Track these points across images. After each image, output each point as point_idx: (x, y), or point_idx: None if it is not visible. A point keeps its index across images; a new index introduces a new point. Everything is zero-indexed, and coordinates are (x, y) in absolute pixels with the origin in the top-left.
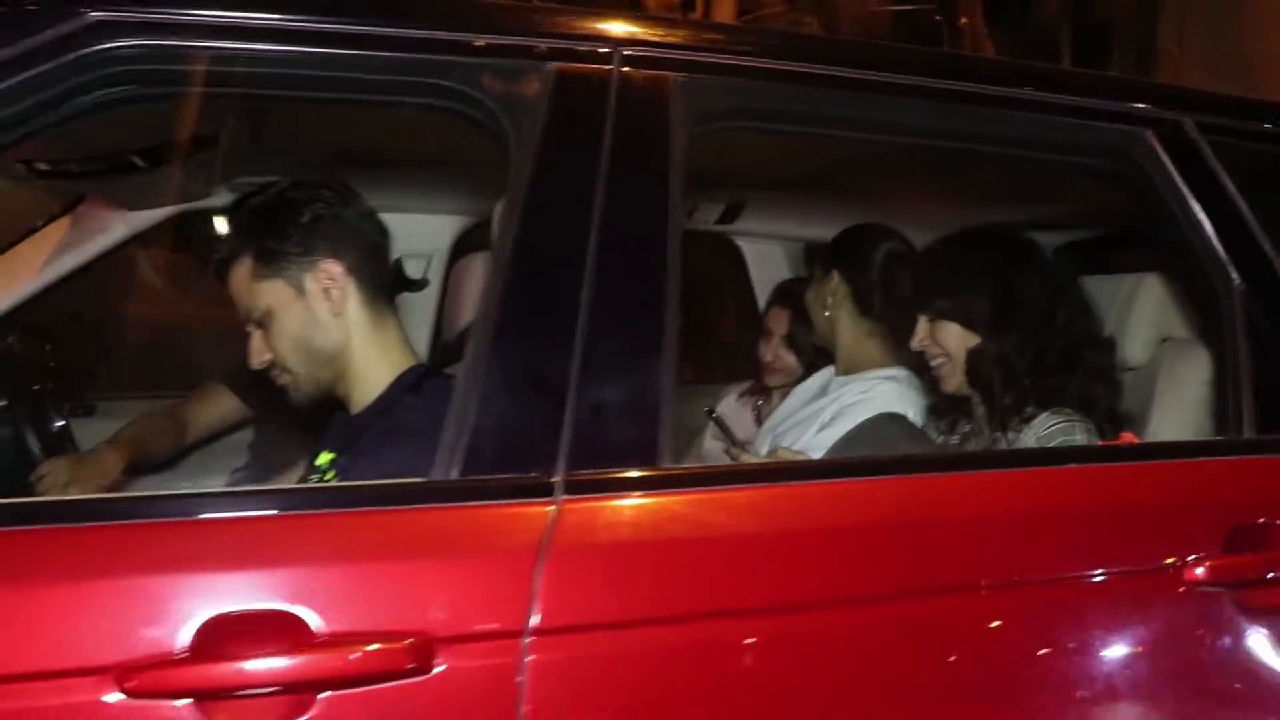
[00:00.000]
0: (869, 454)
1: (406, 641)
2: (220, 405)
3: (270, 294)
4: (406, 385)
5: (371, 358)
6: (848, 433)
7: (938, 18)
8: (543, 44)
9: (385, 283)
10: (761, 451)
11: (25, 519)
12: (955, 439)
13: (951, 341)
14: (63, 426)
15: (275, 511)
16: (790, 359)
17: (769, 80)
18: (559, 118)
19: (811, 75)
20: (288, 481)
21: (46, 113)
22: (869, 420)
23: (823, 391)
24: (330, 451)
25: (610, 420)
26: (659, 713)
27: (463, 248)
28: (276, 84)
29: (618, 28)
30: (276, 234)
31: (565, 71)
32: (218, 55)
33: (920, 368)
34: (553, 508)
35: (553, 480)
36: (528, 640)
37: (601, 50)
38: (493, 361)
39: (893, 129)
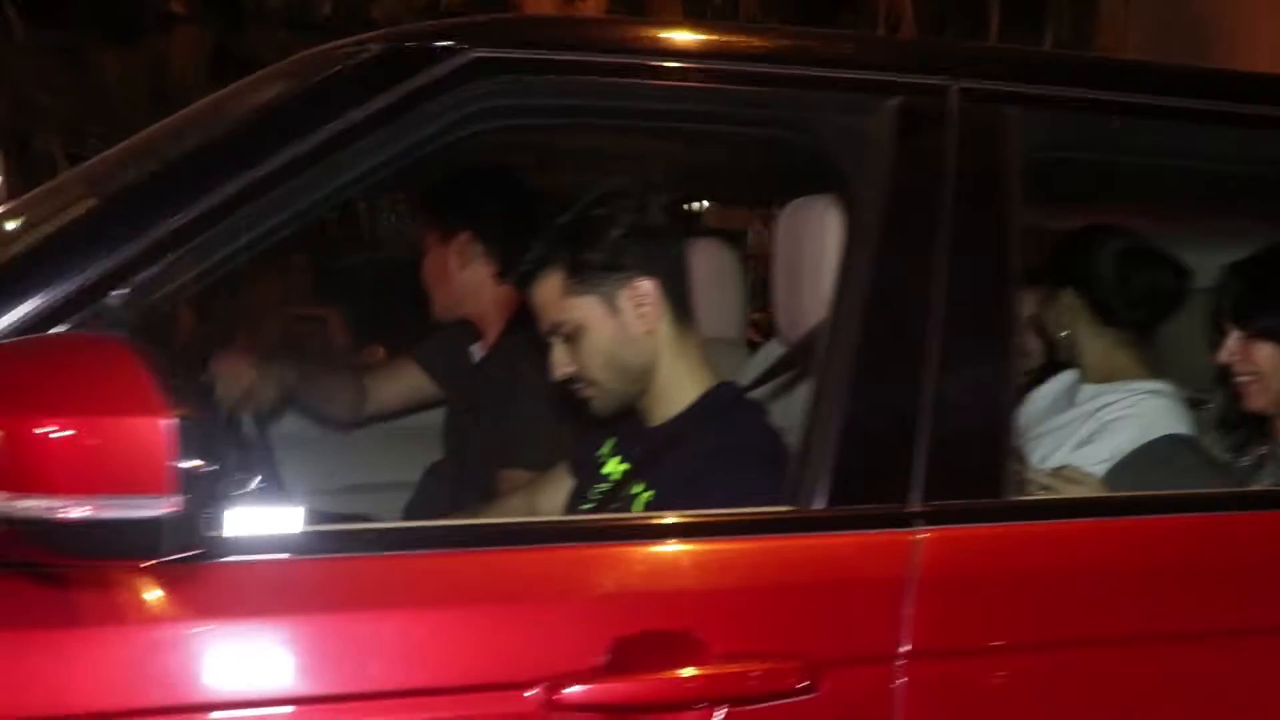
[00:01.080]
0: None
1: (795, 662)
2: (409, 383)
3: (581, 309)
4: (718, 406)
5: (679, 373)
6: (1132, 453)
7: None
8: (883, 79)
9: (690, 298)
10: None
11: (460, 542)
12: (1246, 460)
13: (1268, 361)
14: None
15: (672, 540)
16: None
17: (1100, 111)
18: (903, 154)
19: (1140, 106)
20: (549, 491)
21: (426, 149)
22: (1157, 442)
23: (1069, 401)
24: (622, 460)
25: (961, 450)
26: None
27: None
28: (639, 116)
29: (954, 60)
30: (588, 248)
31: (907, 107)
32: (588, 91)
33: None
34: (917, 536)
35: (910, 510)
36: (899, 664)
37: (938, 84)
38: (850, 395)
39: (1215, 157)
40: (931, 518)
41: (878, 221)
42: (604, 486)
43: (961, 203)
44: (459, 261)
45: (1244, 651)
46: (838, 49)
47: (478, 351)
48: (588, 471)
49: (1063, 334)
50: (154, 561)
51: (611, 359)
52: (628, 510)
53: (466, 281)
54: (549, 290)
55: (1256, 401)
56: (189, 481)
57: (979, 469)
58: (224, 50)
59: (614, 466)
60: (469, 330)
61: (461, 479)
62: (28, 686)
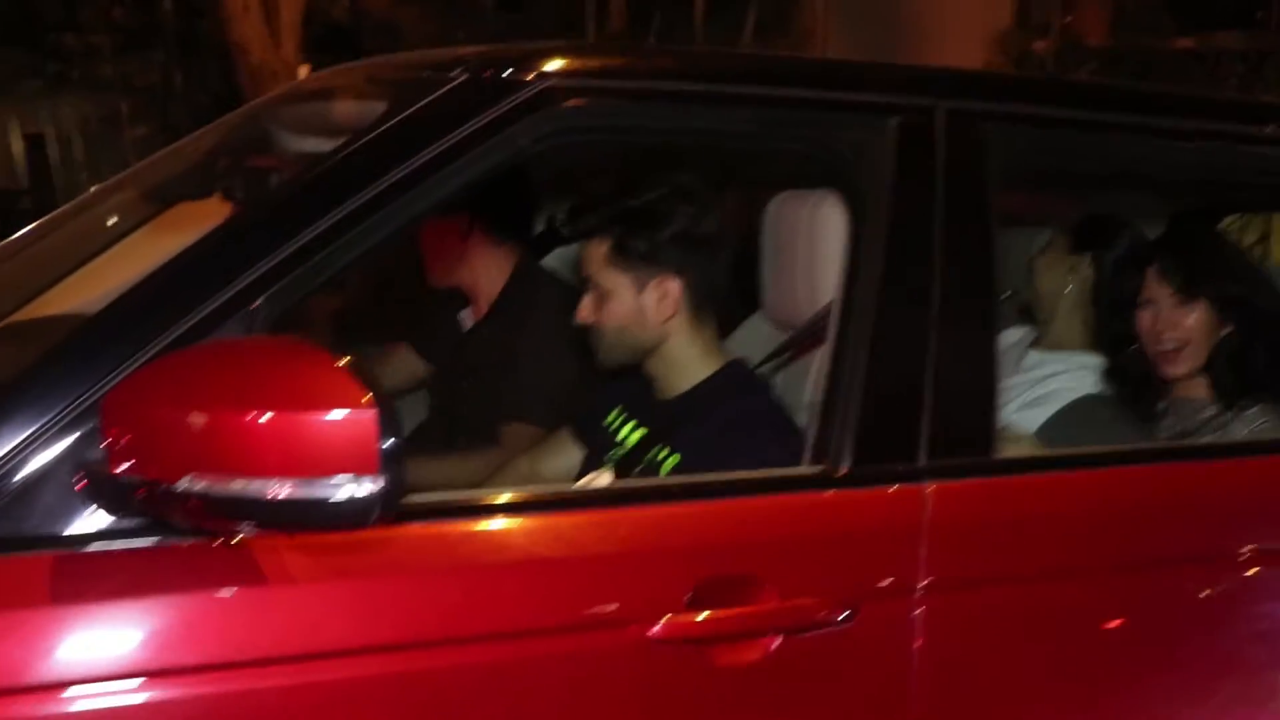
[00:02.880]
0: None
1: (837, 597)
2: (404, 368)
3: (614, 281)
4: (732, 381)
5: (692, 355)
6: (1059, 411)
7: None
8: (880, 100)
9: (717, 296)
10: None
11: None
12: (1151, 413)
13: (1198, 326)
14: None
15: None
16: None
17: (1072, 130)
18: (901, 168)
19: (1114, 124)
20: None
21: (509, 161)
22: (1079, 402)
23: (1015, 365)
24: (639, 426)
25: (957, 417)
26: (1014, 649)
27: None
28: (697, 138)
29: (939, 81)
30: (638, 237)
31: (904, 125)
32: (652, 116)
33: (1109, 351)
34: (926, 489)
35: (920, 467)
36: (918, 595)
37: (925, 104)
38: (867, 370)
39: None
40: (937, 473)
41: (887, 229)
42: (622, 451)
43: (951, 212)
44: (459, 228)
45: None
46: (855, 74)
47: (468, 318)
48: (599, 437)
49: (1059, 285)
50: (364, 529)
51: (624, 331)
52: (655, 472)
53: (466, 248)
54: (594, 252)
55: (1179, 368)
56: (389, 459)
57: (974, 430)
58: None
59: (629, 431)
60: (456, 299)
61: (454, 439)
62: (283, 628)
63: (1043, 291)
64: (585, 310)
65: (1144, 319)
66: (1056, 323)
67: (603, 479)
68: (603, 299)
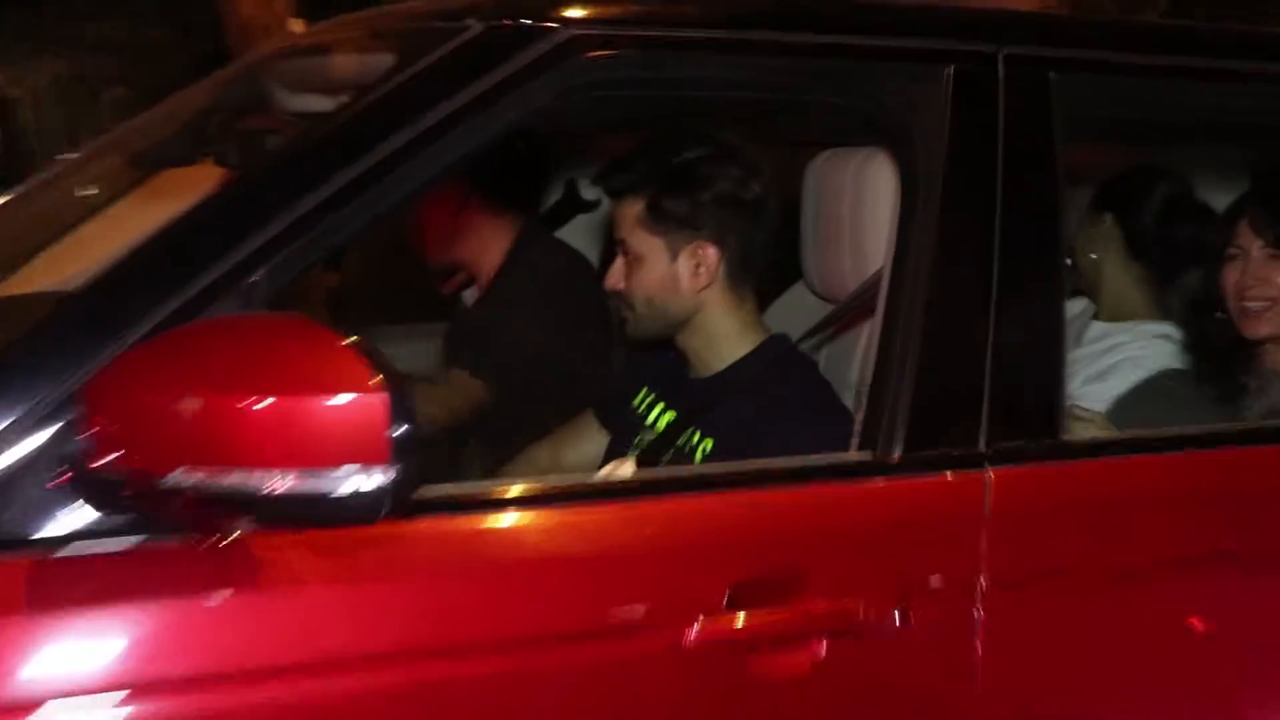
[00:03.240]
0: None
1: (890, 596)
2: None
3: (646, 244)
4: (773, 358)
5: (729, 329)
6: (1137, 386)
7: None
8: (935, 46)
9: (758, 266)
10: None
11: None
12: (1236, 391)
13: None
14: None
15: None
16: None
17: (1132, 74)
18: (957, 122)
19: (1193, 69)
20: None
21: (530, 118)
22: (1155, 378)
23: (1076, 338)
24: (667, 410)
25: (1021, 396)
26: (1084, 650)
27: None
28: (719, 86)
29: (1000, 25)
30: (675, 197)
31: (960, 73)
32: (674, 63)
33: (1188, 321)
34: (988, 476)
35: (980, 452)
36: (978, 594)
37: (985, 51)
38: (921, 346)
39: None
40: (999, 458)
41: (943, 184)
42: (650, 436)
43: (1011, 165)
44: (454, 203)
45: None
46: (907, 18)
47: (471, 297)
48: (625, 421)
49: (1093, 255)
50: (373, 524)
51: (654, 299)
52: (688, 458)
53: (460, 224)
54: (627, 212)
55: (1263, 328)
56: (400, 447)
57: (1039, 410)
58: None
59: (659, 415)
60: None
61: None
62: (285, 636)
63: (1082, 267)
64: (614, 276)
65: (1230, 273)
66: (1107, 295)
67: (628, 468)
68: (633, 264)
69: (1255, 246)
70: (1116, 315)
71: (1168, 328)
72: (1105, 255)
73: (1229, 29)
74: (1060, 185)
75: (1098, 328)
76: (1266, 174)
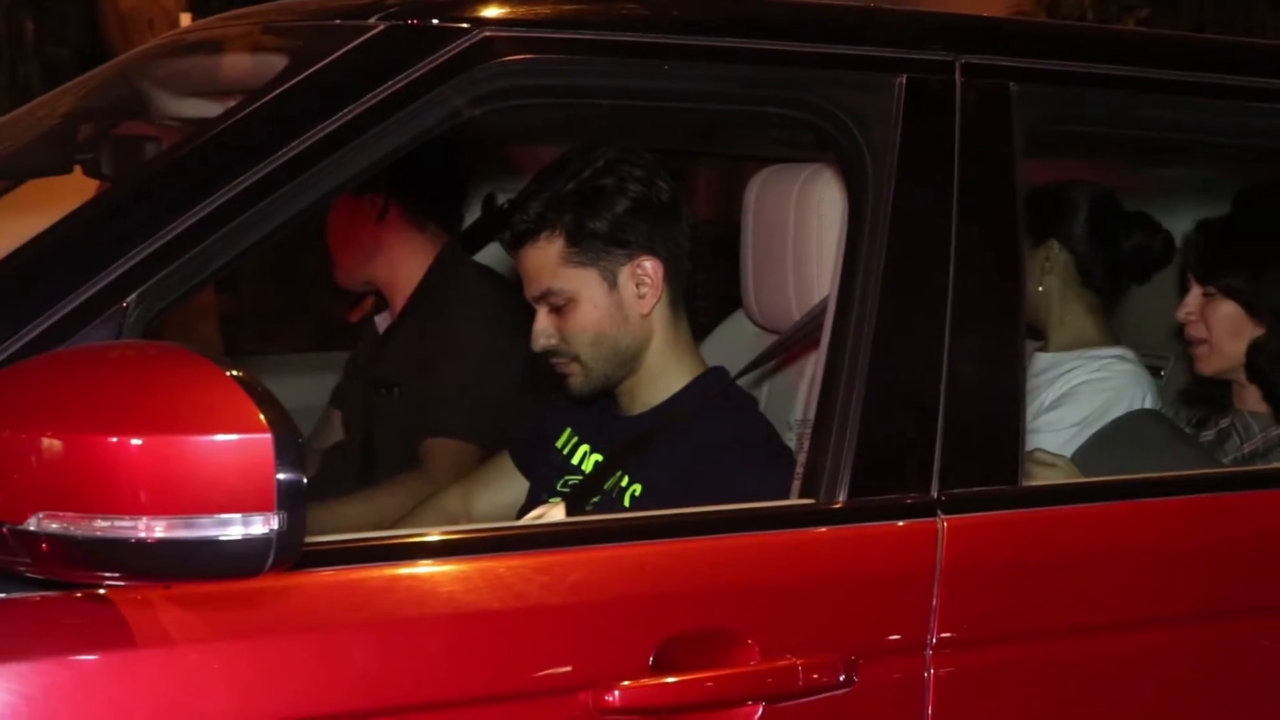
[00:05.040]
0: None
1: (833, 656)
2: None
3: (577, 281)
4: (708, 394)
5: (667, 360)
6: (1104, 429)
7: None
8: (886, 54)
9: (686, 280)
10: None
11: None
12: (1209, 434)
13: (1223, 325)
14: None
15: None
16: None
17: (1101, 86)
18: (910, 136)
19: (1170, 82)
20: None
21: (438, 127)
22: (1130, 418)
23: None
24: (593, 451)
25: (977, 437)
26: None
27: None
28: (649, 96)
29: (957, 32)
30: (594, 216)
31: (913, 83)
32: (597, 70)
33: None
34: (940, 525)
35: (931, 499)
36: (930, 653)
37: (940, 60)
38: (869, 383)
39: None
40: (952, 506)
41: (892, 199)
42: (574, 479)
43: (966, 181)
44: (371, 215)
45: (1245, 631)
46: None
47: (383, 321)
48: (547, 464)
49: (1039, 287)
50: (257, 577)
51: (601, 338)
52: (615, 504)
53: (378, 238)
54: (544, 256)
55: (1207, 366)
56: (288, 492)
57: (995, 456)
58: None
59: (583, 455)
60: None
61: (373, 455)
62: (155, 701)
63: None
64: (541, 336)
65: (1179, 311)
66: (1055, 325)
67: (558, 513)
68: (567, 310)
69: (1193, 285)
70: (1065, 346)
71: (1121, 349)
72: (1051, 282)
73: (1206, 39)
74: (1021, 207)
75: (1044, 359)
76: (1201, 222)
